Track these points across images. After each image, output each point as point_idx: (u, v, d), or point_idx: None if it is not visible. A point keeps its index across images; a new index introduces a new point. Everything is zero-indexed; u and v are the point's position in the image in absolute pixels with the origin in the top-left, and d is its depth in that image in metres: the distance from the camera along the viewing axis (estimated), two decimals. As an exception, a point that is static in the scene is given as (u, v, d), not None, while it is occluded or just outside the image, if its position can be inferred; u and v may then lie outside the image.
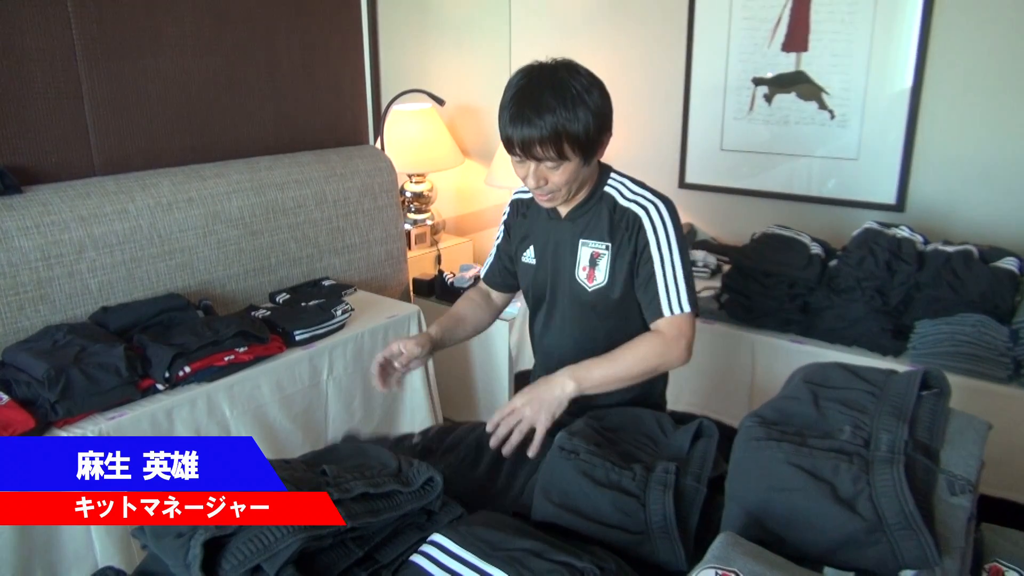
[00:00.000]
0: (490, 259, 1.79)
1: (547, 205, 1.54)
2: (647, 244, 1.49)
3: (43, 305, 2.07)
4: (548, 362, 1.64)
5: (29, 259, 2.02)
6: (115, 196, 2.20)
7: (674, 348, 1.46)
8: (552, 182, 1.44)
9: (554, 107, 1.37)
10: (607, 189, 1.55)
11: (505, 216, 1.73)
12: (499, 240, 1.75)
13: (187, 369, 1.97)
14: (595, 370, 1.43)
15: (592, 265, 1.54)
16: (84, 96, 2.23)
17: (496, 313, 1.82)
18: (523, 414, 1.37)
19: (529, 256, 1.64)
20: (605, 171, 1.56)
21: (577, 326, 1.59)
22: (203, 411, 2.00)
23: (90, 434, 1.78)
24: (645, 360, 1.45)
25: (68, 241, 2.09)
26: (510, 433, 1.37)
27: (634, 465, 1.13)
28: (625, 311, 1.55)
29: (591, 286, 1.54)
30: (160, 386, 1.96)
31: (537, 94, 1.38)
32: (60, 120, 2.19)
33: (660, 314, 1.47)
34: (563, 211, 1.57)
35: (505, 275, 1.75)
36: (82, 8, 2.17)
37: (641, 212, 1.50)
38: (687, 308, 1.47)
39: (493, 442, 1.37)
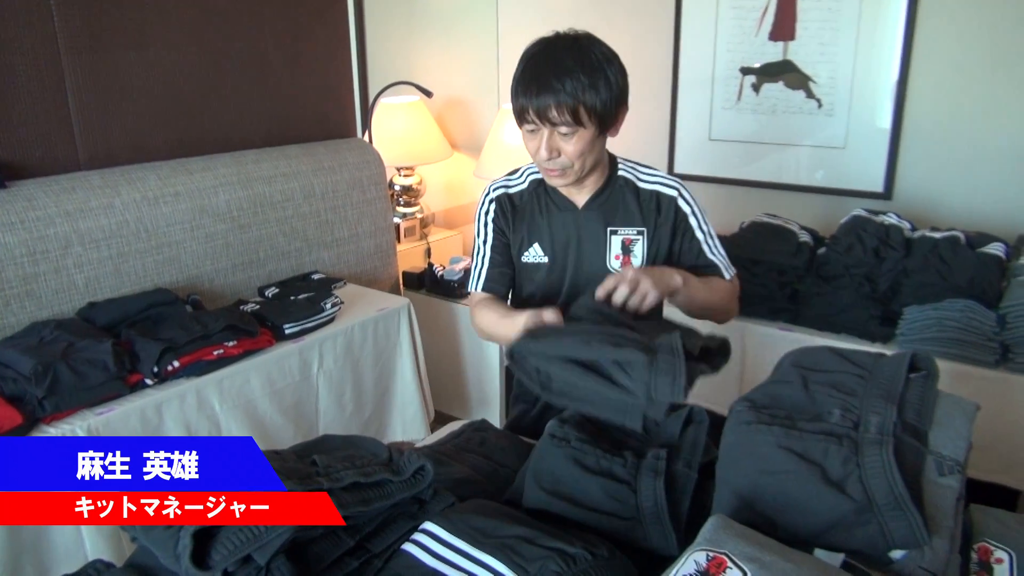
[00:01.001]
0: (482, 268, 1.62)
1: (558, 182, 1.48)
2: (687, 221, 1.54)
3: (29, 301, 2.05)
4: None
5: (14, 255, 2.00)
6: (101, 190, 2.19)
7: (735, 302, 1.60)
8: (566, 153, 1.41)
9: (575, 71, 1.36)
10: (621, 174, 1.55)
11: (490, 215, 1.59)
12: (488, 242, 1.61)
13: (176, 364, 1.96)
14: (701, 289, 1.47)
15: (626, 252, 1.53)
16: (68, 89, 2.21)
17: None
18: (642, 284, 1.32)
19: (535, 255, 1.56)
20: (613, 158, 1.57)
21: None
22: (193, 406, 1.99)
23: (79, 430, 1.77)
24: (723, 299, 1.54)
25: (54, 236, 2.07)
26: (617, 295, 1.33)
27: (625, 452, 1.13)
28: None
29: None
30: (149, 381, 1.95)
31: (558, 58, 1.37)
32: (44, 114, 2.17)
33: (724, 277, 1.58)
34: (580, 201, 1.54)
35: (507, 277, 1.62)
36: (64, 0, 2.15)
37: (673, 192, 1.54)
38: (733, 270, 1.61)
39: (601, 293, 1.32)
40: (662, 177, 1.56)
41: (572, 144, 1.41)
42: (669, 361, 1.11)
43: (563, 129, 1.39)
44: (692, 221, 1.55)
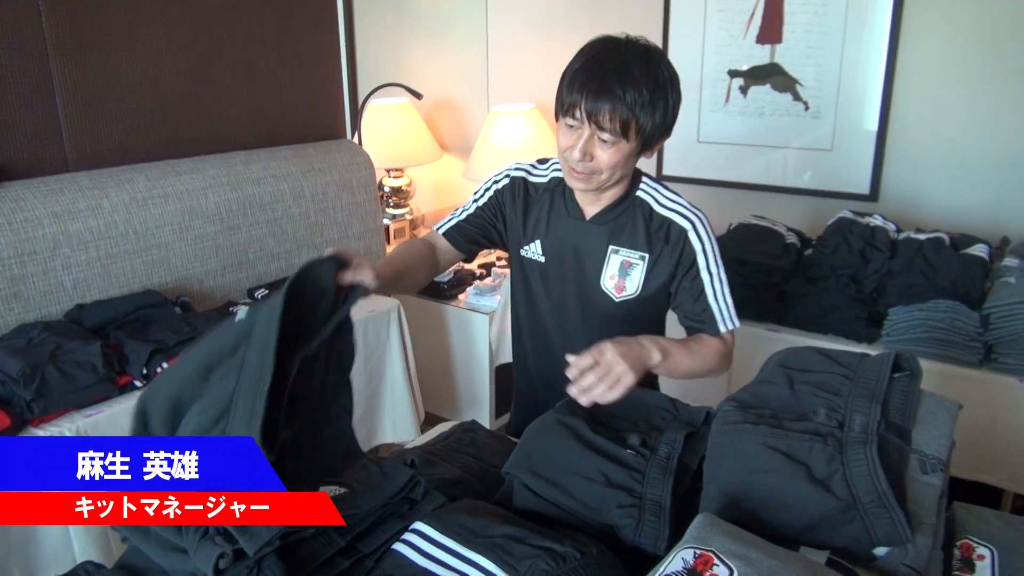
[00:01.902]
0: (459, 216, 1.60)
1: (580, 186, 1.42)
2: (695, 259, 1.44)
3: (17, 303, 2.04)
4: (541, 361, 1.61)
5: (1, 256, 1.99)
6: (89, 192, 2.18)
7: (726, 361, 1.47)
8: (599, 160, 1.36)
9: (640, 84, 1.30)
10: (640, 194, 1.48)
11: (498, 186, 1.57)
12: (480, 201, 1.59)
13: (165, 365, 1.96)
14: (683, 361, 1.37)
15: (622, 275, 1.46)
16: (56, 90, 2.20)
17: (433, 274, 1.61)
18: (614, 369, 1.21)
19: (534, 251, 1.54)
20: (637, 175, 1.49)
21: (583, 334, 1.49)
22: (182, 407, 1.99)
23: (67, 432, 1.76)
24: (708, 365, 1.43)
25: (42, 238, 2.06)
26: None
27: (631, 436, 1.14)
28: (640, 321, 1.49)
29: (619, 297, 1.47)
30: (138, 383, 1.95)
31: (626, 64, 1.31)
32: (31, 115, 2.16)
33: (718, 331, 1.46)
34: (589, 212, 1.48)
35: (472, 238, 1.59)
36: (52, 1, 2.14)
37: (686, 224, 1.44)
38: (736, 323, 1.48)
39: (574, 391, 1.20)
40: (682, 206, 1.46)
41: (609, 153, 1.35)
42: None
43: (606, 136, 1.34)
44: (700, 260, 1.44)
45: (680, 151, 3.10)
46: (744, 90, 2.92)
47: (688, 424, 1.21)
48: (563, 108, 1.36)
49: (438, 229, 1.62)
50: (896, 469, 0.99)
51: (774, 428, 1.02)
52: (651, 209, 1.47)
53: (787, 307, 2.38)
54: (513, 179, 1.57)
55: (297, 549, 0.97)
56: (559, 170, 1.51)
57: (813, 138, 2.83)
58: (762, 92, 2.88)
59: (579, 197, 1.49)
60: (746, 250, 2.42)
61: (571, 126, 1.36)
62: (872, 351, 1.25)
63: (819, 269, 2.32)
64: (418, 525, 1.02)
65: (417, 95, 3.42)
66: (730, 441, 1.04)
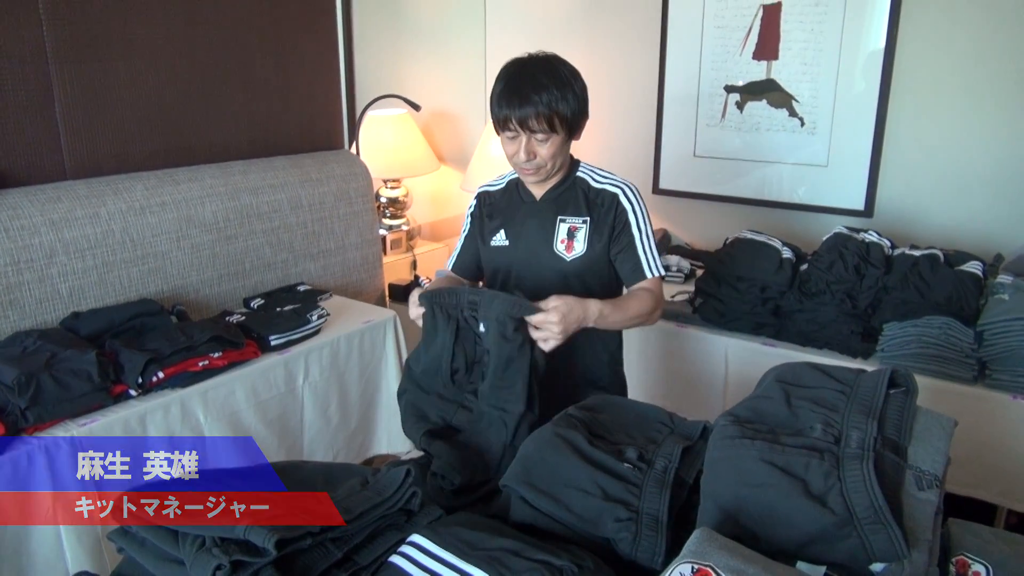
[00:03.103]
0: (458, 250, 1.94)
1: (532, 179, 1.76)
2: (626, 218, 1.74)
3: (12, 311, 2.04)
4: None
5: (-2, 264, 1.99)
6: (86, 200, 2.18)
7: (658, 307, 1.74)
8: (540, 155, 1.68)
9: (548, 86, 1.62)
10: (579, 174, 1.80)
11: (472, 209, 1.92)
12: (466, 231, 1.93)
13: (160, 375, 1.95)
14: (613, 314, 1.63)
15: (570, 237, 1.76)
16: (55, 99, 2.20)
17: None
18: (551, 331, 1.50)
19: (500, 239, 1.82)
20: (575, 161, 1.82)
21: (553, 292, 1.66)
22: (177, 417, 1.98)
23: (61, 441, 1.75)
24: (640, 313, 1.69)
25: (38, 246, 2.06)
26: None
27: (628, 450, 1.14)
28: (596, 279, 1.77)
29: (569, 256, 1.76)
30: (133, 392, 1.94)
31: (533, 75, 1.63)
32: (31, 123, 2.16)
33: (643, 276, 1.75)
34: (538, 194, 1.80)
35: (474, 262, 1.91)
36: (53, 10, 2.15)
37: (617, 191, 1.76)
38: (662, 271, 1.77)
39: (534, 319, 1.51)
40: (613, 179, 1.78)
41: (546, 147, 1.67)
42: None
43: (540, 136, 1.65)
44: (630, 218, 1.74)
45: (676, 166, 3.12)
46: (740, 105, 2.94)
47: (685, 438, 1.22)
48: (500, 124, 1.68)
49: (447, 266, 1.97)
50: (892, 485, 0.99)
51: (771, 443, 1.02)
52: (589, 184, 1.79)
53: (782, 322, 2.39)
54: (479, 197, 1.92)
55: (294, 561, 0.96)
56: (512, 175, 1.87)
57: (809, 154, 2.85)
58: (758, 108, 2.90)
59: (530, 186, 1.81)
60: (742, 265, 2.43)
61: (511, 137, 1.68)
62: (867, 366, 1.26)
63: (814, 284, 2.32)
64: (415, 537, 1.01)
65: (415, 106, 3.44)
66: (727, 456, 1.04)
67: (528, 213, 1.81)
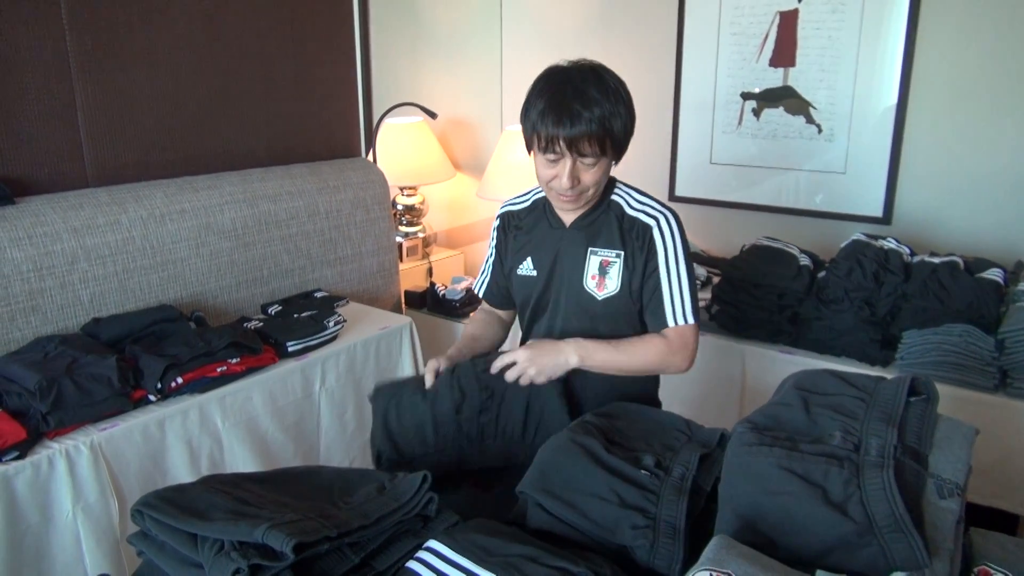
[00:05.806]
0: (486, 278, 1.77)
1: (570, 207, 1.53)
2: (655, 254, 1.51)
3: (34, 316, 2.06)
4: None
5: (21, 270, 2.01)
6: (108, 207, 2.21)
7: (677, 356, 1.51)
8: (584, 181, 1.46)
9: (600, 101, 1.40)
10: (614, 198, 1.56)
11: (496, 232, 1.72)
12: (491, 258, 1.75)
13: (179, 380, 1.97)
14: (599, 353, 1.49)
15: (602, 274, 1.54)
16: (78, 107, 2.23)
17: (507, 328, 1.82)
18: (526, 371, 1.44)
19: (527, 268, 1.62)
20: (612, 181, 1.58)
21: (580, 335, 1.55)
22: (195, 422, 1.99)
23: (82, 445, 1.77)
24: (646, 359, 1.51)
25: (60, 252, 2.09)
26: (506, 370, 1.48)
27: (645, 457, 1.14)
28: (631, 319, 1.56)
29: (601, 295, 1.54)
30: (152, 397, 1.96)
31: (581, 89, 1.40)
32: (53, 131, 2.19)
33: (664, 324, 1.51)
34: (568, 220, 1.58)
35: (504, 292, 1.74)
36: (76, 19, 2.18)
37: (651, 222, 1.52)
38: (691, 319, 1.51)
39: (493, 371, 1.47)
40: (651, 206, 1.54)
41: (592, 173, 1.45)
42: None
43: (588, 160, 1.43)
44: (660, 256, 1.51)
45: (693, 173, 3.12)
46: (757, 112, 2.93)
47: (702, 445, 1.21)
48: (541, 144, 1.44)
49: (478, 293, 1.81)
50: (913, 493, 0.98)
51: (790, 450, 1.02)
52: (623, 210, 1.55)
53: (800, 329, 2.37)
54: (502, 218, 1.71)
55: (312, 566, 0.97)
56: (539, 192, 1.64)
57: (826, 160, 2.83)
58: (775, 114, 2.89)
59: (559, 210, 1.59)
60: (759, 272, 2.42)
61: (552, 160, 1.45)
62: (886, 374, 1.25)
63: (832, 291, 2.31)
64: (432, 543, 1.01)
65: (432, 114, 3.45)
66: (745, 463, 1.03)
67: (556, 241, 1.58)
